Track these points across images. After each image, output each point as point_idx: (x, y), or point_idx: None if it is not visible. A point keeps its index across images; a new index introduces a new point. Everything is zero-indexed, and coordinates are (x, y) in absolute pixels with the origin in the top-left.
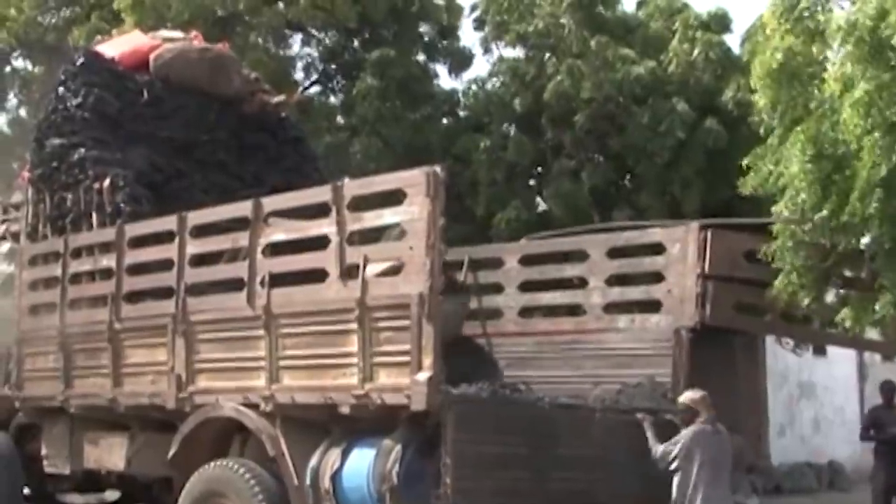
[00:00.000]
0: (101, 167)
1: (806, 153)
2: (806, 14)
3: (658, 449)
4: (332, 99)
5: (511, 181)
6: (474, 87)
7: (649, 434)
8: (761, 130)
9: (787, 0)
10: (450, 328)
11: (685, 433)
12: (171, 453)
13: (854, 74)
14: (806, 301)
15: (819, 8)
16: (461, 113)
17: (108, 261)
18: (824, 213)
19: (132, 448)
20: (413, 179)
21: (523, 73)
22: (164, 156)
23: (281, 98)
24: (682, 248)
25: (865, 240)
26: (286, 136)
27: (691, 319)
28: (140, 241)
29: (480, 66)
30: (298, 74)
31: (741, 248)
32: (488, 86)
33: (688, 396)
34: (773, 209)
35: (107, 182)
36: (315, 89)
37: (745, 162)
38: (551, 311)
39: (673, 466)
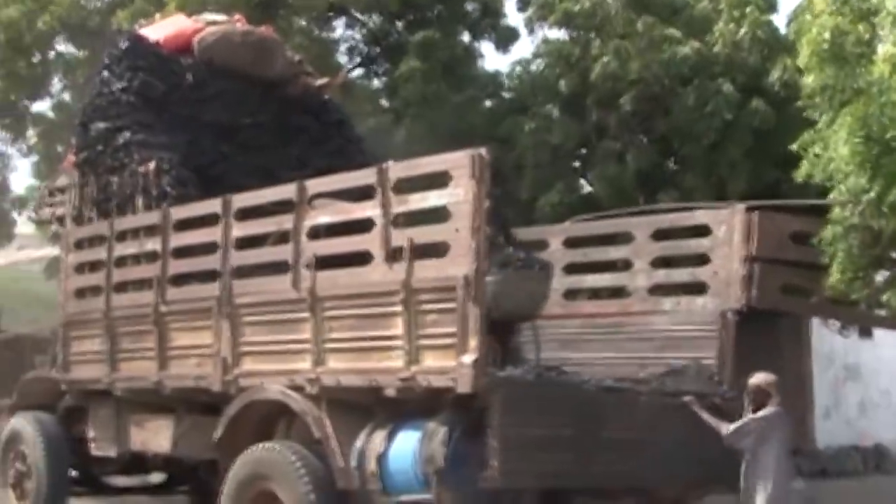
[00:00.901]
0: (146, 151)
1: (854, 135)
2: None
3: (731, 428)
4: (376, 82)
5: (555, 163)
6: (518, 68)
7: (705, 416)
8: (811, 114)
9: None
10: (526, 307)
11: (762, 414)
12: (216, 436)
13: None
14: (859, 292)
15: None
16: (505, 95)
17: (153, 244)
18: (872, 195)
19: (178, 430)
20: (458, 161)
21: (568, 55)
22: (208, 139)
23: (324, 80)
24: (728, 229)
25: None
26: (330, 118)
27: (737, 301)
28: (185, 224)
29: (524, 48)
30: (342, 58)
31: (788, 229)
32: (532, 67)
33: (762, 379)
34: (831, 196)
35: (152, 165)
36: (358, 72)
37: (794, 147)
38: (596, 293)
39: (746, 446)
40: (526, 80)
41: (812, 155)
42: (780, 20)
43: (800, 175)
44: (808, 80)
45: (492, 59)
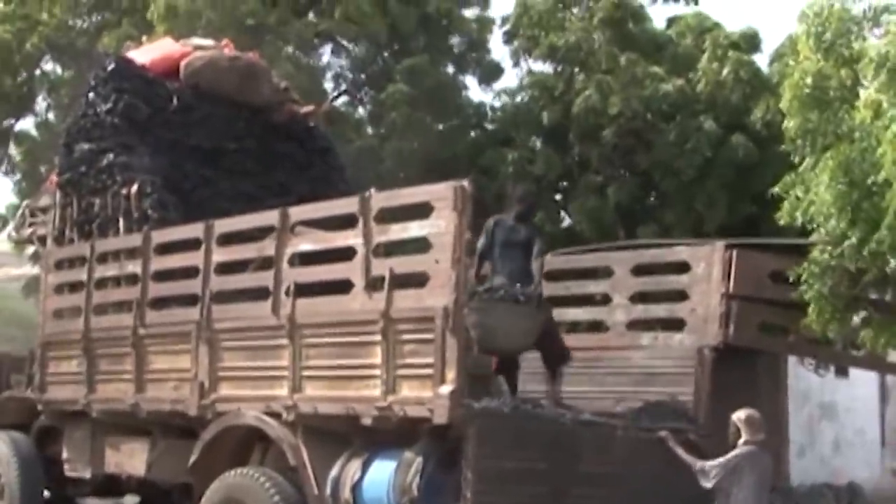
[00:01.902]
0: (130, 173)
1: (836, 180)
2: (840, 42)
3: (705, 465)
4: (361, 110)
5: (537, 195)
6: (504, 97)
7: (680, 451)
8: (793, 157)
9: (819, 27)
10: (519, 343)
11: (735, 452)
12: (191, 460)
13: (887, 104)
14: (835, 332)
15: (852, 37)
16: (489, 126)
17: (133, 266)
18: (853, 240)
19: (153, 454)
20: (440, 193)
21: (552, 87)
22: (191, 163)
23: (310, 108)
24: (707, 266)
25: (892, 263)
26: (314, 145)
27: (715, 338)
28: (166, 248)
29: (509, 80)
30: (328, 84)
31: (766, 268)
32: (517, 99)
33: (734, 415)
34: (812, 238)
35: (134, 188)
36: (343, 100)
37: (775, 189)
38: (574, 326)
39: (719, 485)
40: (510, 111)
41: (793, 197)
42: (763, 60)
43: (781, 217)
44: (790, 124)
45: (475, 92)
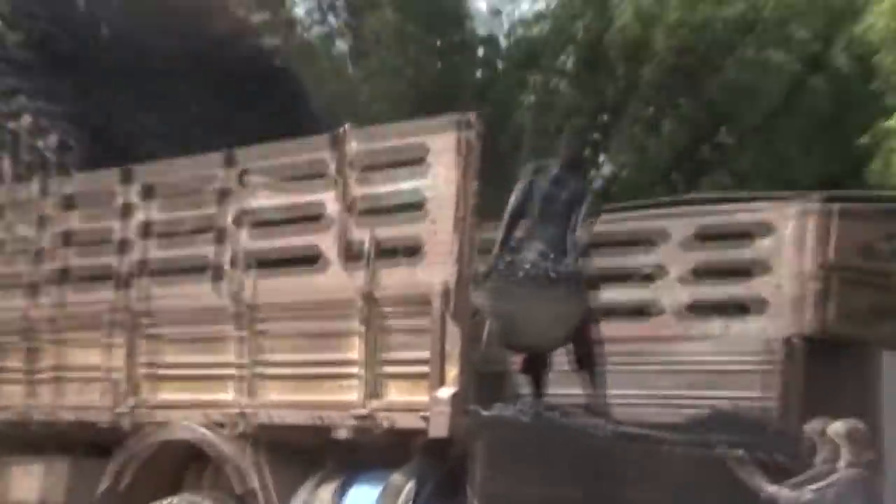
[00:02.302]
0: (19, 100)
1: None
2: None
3: (791, 495)
4: (339, 44)
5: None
6: (520, 28)
7: (758, 477)
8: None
9: None
10: (548, 335)
11: (837, 479)
12: (101, 487)
13: None
14: None
15: None
16: (500, 64)
17: (24, 228)
18: None
19: (49, 478)
20: (439, 130)
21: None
22: (107, 89)
23: (276, 42)
24: (798, 230)
25: None
26: (282, 88)
27: (808, 326)
28: (70, 203)
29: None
30: (298, 10)
31: (879, 232)
32: (535, 30)
33: (829, 429)
34: None
35: (26, 119)
36: (318, 31)
37: (863, 140)
38: (613, 310)
39: None
40: (525, 47)
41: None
42: None
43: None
44: (887, 59)
45: (484, 21)
